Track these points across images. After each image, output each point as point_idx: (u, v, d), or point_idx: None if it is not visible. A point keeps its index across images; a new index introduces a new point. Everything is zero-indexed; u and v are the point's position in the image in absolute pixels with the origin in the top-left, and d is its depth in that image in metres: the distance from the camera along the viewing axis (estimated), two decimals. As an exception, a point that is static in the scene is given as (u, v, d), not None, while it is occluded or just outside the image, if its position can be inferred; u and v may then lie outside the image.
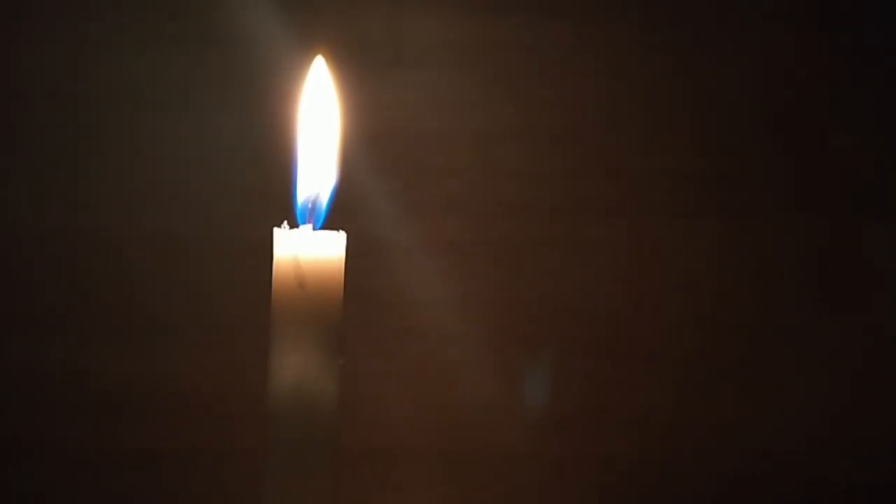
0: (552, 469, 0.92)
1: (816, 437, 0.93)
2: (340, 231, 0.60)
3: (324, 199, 0.62)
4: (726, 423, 0.93)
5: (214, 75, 0.91)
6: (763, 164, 0.93)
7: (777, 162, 0.93)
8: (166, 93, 0.90)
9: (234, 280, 0.90)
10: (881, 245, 0.93)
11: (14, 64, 0.90)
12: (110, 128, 0.90)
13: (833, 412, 0.93)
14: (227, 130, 0.90)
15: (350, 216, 0.64)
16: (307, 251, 0.59)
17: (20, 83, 0.90)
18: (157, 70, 0.90)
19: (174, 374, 0.90)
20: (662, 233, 0.93)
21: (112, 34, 0.90)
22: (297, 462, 0.59)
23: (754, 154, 0.93)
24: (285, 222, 0.60)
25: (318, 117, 0.63)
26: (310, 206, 0.62)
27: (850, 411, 0.93)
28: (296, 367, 0.59)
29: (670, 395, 0.93)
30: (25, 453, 0.90)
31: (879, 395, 0.94)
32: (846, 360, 0.93)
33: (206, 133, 0.90)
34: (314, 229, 0.61)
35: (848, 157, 0.94)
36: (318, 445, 0.59)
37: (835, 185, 0.94)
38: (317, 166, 0.63)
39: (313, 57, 0.65)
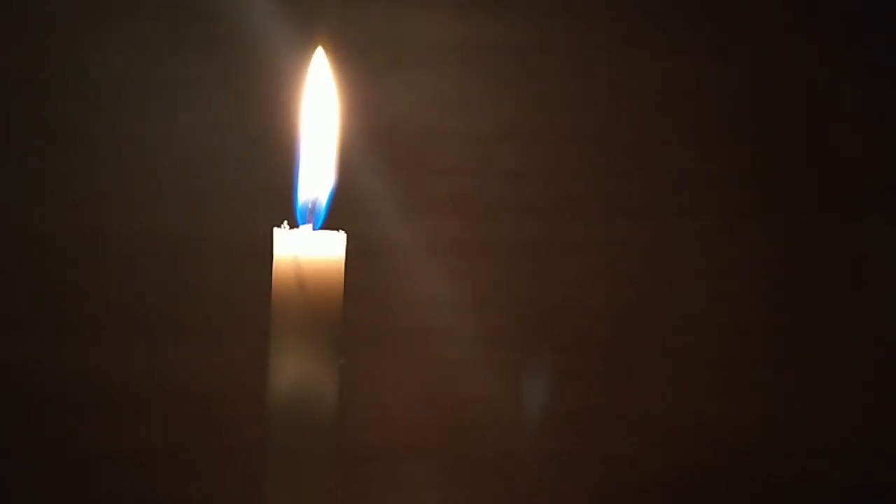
0: (553, 469, 0.92)
1: (820, 437, 0.93)
2: (340, 231, 0.60)
3: (324, 199, 0.62)
4: (728, 424, 0.93)
5: (214, 75, 0.90)
6: (769, 165, 0.93)
7: (783, 162, 0.93)
8: (165, 92, 0.90)
9: (234, 280, 0.90)
10: (889, 246, 0.93)
11: (13, 63, 0.89)
12: (109, 127, 0.90)
13: (838, 413, 0.93)
14: (227, 130, 0.90)
15: (350, 216, 0.64)
16: (307, 251, 0.59)
17: (20, 82, 0.90)
18: (156, 70, 0.90)
19: (173, 374, 0.90)
20: (664, 233, 0.93)
21: (111, 34, 0.90)
22: (296, 463, 0.59)
23: (760, 154, 0.93)
24: (285, 222, 0.60)
25: (318, 117, 0.63)
26: (310, 206, 0.62)
27: (855, 412, 0.93)
28: (296, 367, 0.59)
29: (672, 396, 0.93)
30: (21, 453, 0.90)
31: (885, 397, 0.93)
32: (851, 361, 0.93)
33: (206, 133, 0.90)
34: (314, 229, 0.61)
35: (855, 157, 0.93)
36: (318, 446, 0.59)
37: (842, 186, 0.93)
38: (317, 166, 0.62)
39: (314, 52, 0.65)
